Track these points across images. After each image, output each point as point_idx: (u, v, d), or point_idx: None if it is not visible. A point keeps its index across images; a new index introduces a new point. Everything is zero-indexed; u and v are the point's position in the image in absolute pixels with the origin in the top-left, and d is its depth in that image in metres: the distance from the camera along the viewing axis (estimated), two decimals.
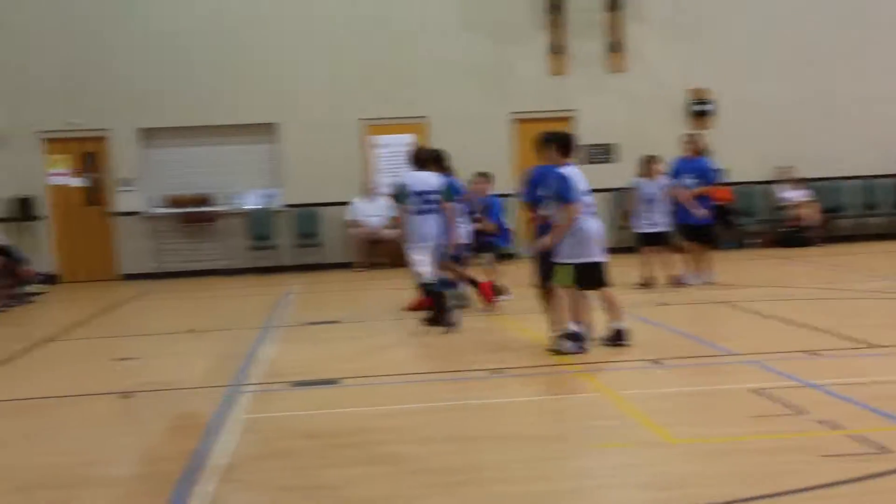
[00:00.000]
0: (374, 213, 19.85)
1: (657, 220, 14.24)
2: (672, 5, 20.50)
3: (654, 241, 14.30)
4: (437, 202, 11.26)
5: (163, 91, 19.82)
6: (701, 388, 7.93)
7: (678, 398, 7.66)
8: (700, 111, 20.48)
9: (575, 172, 9.31)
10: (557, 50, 20.47)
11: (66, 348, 11.65)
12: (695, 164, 14.40)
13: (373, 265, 19.59)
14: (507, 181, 20.35)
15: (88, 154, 20.08)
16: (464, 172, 19.61)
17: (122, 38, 19.84)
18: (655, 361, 8.87)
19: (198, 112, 19.90)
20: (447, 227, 11.34)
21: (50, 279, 18.94)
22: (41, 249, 19.58)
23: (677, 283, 14.08)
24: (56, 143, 19.92)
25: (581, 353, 9.17)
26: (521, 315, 11.82)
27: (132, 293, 17.40)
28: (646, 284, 14.09)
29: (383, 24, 20.25)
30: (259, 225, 20.13)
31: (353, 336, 11.35)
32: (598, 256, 9.37)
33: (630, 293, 13.20)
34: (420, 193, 11.26)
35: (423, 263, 11.30)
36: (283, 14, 20.07)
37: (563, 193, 9.22)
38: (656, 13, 20.50)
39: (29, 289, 16.59)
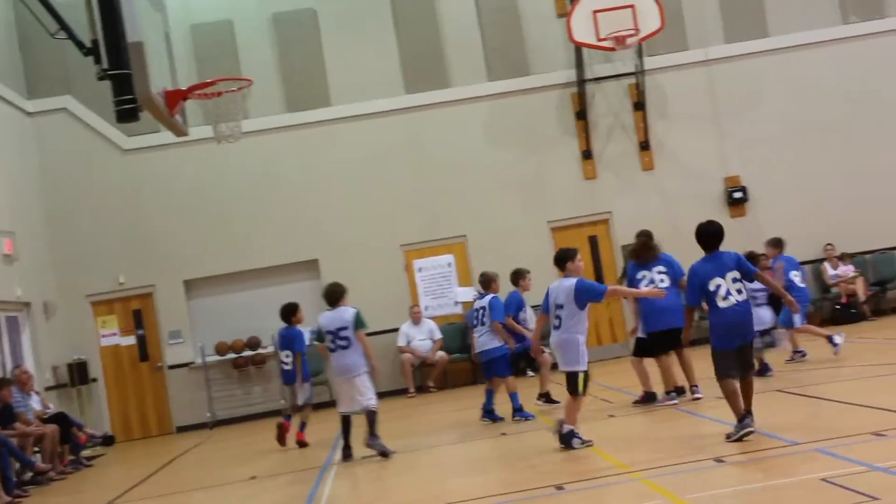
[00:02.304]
0: (421, 337, 19.83)
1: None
2: (691, 101, 20.63)
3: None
4: (347, 338, 11.77)
5: (203, 242, 20.15)
6: (769, 482, 7.70)
7: (748, 496, 7.44)
8: (736, 199, 20.41)
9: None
10: (588, 154, 20.62)
11: None
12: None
13: (424, 389, 19.52)
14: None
15: (136, 311, 20.33)
16: (506, 285, 19.92)
17: (159, 194, 20.25)
18: (717, 460, 8.65)
19: (238, 258, 20.17)
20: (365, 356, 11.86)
21: (108, 440, 18.97)
22: (97, 412, 19.70)
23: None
24: (103, 304, 20.22)
25: None
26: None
27: (188, 445, 17.37)
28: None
29: (414, 148, 20.55)
30: (310, 361, 20.09)
31: (410, 466, 11.21)
32: None
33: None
34: (332, 332, 11.86)
35: (344, 393, 11.93)
36: (311, 151, 20.43)
37: None
38: (678, 109, 20.66)
39: (86, 453, 16.61)
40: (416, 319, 19.90)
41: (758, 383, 12.96)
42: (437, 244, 20.48)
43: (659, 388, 12.78)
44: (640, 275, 12.54)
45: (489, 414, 13.41)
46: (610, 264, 20.64)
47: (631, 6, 18.59)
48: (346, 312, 11.93)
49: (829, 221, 20.17)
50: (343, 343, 11.83)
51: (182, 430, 19.94)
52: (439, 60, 20.75)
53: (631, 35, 18.62)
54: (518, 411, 13.13)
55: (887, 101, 20.53)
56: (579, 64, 20.16)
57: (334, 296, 12.11)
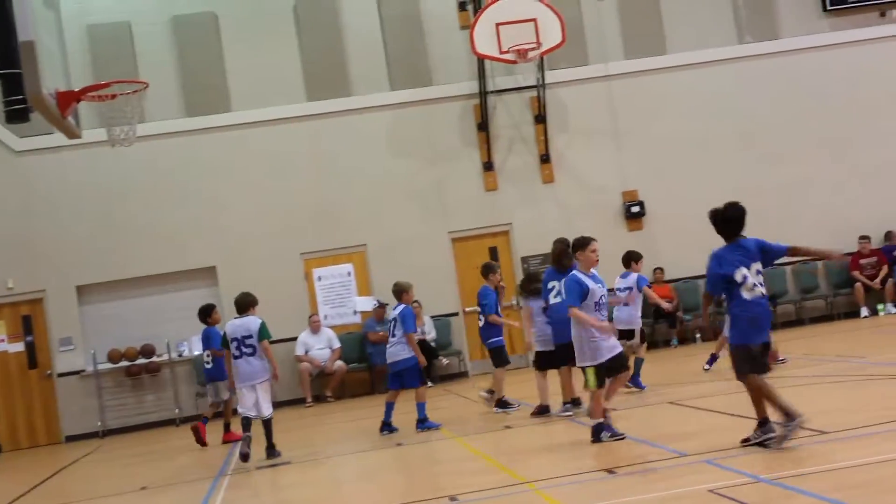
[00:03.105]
0: (320, 346, 19.69)
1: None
2: (591, 115, 20.89)
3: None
4: (252, 346, 12.25)
5: (97, 246, 19.70)
6: (657, 494, 7.79)
7: None
8: (633, 213, 20.71)
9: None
10: (489, 166, 20.72)
11: None
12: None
13: (321, 399, 19.38)
14: (450, 300, 20.44)
15: (25, 317, 19.80)
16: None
17: (52, 197, 19.77)
18: (609, 471, 8.74)
19: (133, 264, 19.78)
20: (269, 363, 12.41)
21: None
22: None
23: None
24: None
25: None
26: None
27: (77, 454, 16.97)
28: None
29: (316, 155, 20.42)
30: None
31: (306, 476, 11.11)
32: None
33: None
34: (237, 339, 12.30)
35: (245, 398, 12.31)
36: (210, 157, 20.16)
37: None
38: (578, 123, 20.90)
39: None
40: (314, 328, 19.75)
41: (649, 395, 13.21)
42: (337, 253, 20.37)
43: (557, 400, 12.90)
44: (551, 284, 12.50)
45: (387, 426, 13.33)
46: (509, 275, 20.73)
47: (533, 20, 18.75)
48: (252, 322, 12.37)
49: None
50: (248, 350, 12.29)
51: (71, 439, 19.45)
52: (342, 69, 20.66)
53: (532, 49, 18.78)
54: (422, 422, 13.09)
55: (780, 120, 21.03)
56: (481, 76, 20.27)
57: (243, 304, 12.58)
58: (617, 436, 10.08)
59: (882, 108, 21.07)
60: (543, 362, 12.82)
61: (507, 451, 11.04)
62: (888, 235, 20.68)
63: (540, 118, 20.68)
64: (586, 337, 10.15)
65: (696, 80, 21.08)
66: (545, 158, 20.80)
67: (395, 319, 13.29)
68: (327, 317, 19.82)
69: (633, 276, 13.81)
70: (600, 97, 21.00)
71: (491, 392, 14.20)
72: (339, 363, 19.72)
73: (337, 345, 19.79)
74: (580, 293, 10.23)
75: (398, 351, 13.23)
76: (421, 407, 13.21)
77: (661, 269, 20.57)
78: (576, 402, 12.59)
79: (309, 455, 12.71)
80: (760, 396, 8.75)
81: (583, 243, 10.62)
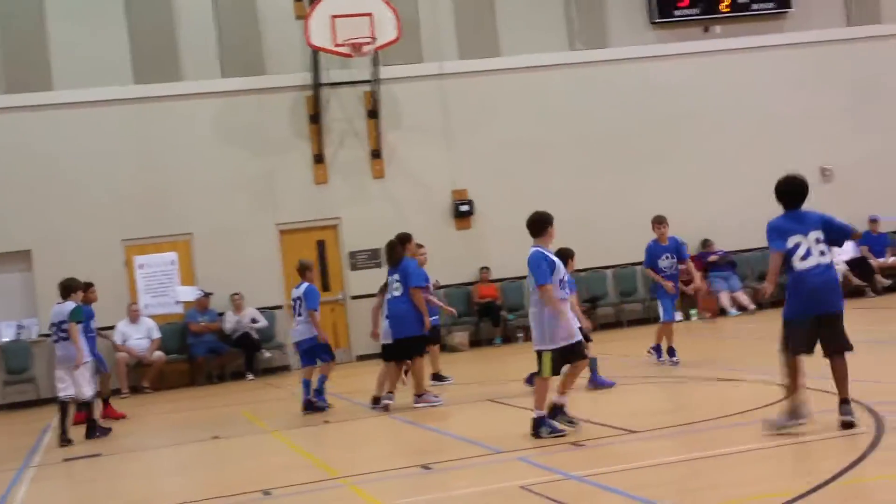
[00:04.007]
0: (138, 335, 19.16)
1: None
2: (424, 112, 20.98)
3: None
4: (66, 330, 12.58)
5: None
6: (470, 490, 7.86)
7: (448, 503, 7.58)
8: (462, 211, 20.90)
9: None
10: (320, 159, 20.57)
11: None
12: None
13: (139, 390, 18.86)
14: (275, 292, 20.19)
15: None
16: (231, 285, 19.60)
17: None
18: (425, 467, 8.78)
19: None
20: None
21: None
22: None
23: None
24: None
25: None
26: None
27: None
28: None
29: (142, 140, 19.88)
30: (14, 358, 19.08)
31: (119, 469, 10.79)
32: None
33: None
34: (55, 323, 12.75)
35: (62, 381, 12.66)
36: (29, 135, 19.37)
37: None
38: (411, 120, 20.95)
39: None
40: (133, 317, 19.20)
41: (470, 392, 13.31)
42: (160, 241, 19.86)
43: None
44: (390, 278, 12.63)
45: (311, 405, 13.03)
46: (336, 269, 20.68)
47: (369, 15, 18.71)
48: (67, 307, 12.67)
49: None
50: (64, 335, 12.66)
51: None
52: (172, 52, 20.14)
53: (367, 43, 18.74)
54: (319, 393, 13.07)
55: (609, 127, 21.53)
56: (315, 68, 20.09)
57: (65, 290, 12.91)
58: (557, 432, 9.25)
59: (703, 119, 21.83)
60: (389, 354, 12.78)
61: (325, 446, 10.97)
62: (705, 243, 21.44)
63: (373, 113, 20.65)
64: (548, 318, 9.34)
65: (528, 83, 21.41)
66: (376, 154, 20.78)
67: (299, 298, 13.12)
68: (148, 306, 19.31)
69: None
70: (434, 95, 21.11)
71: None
72: (159, 353, 19.24)
73: (157, 335, 19.30)
74: (549, 269, 9.46)
75: (304, 329, 13.06)
76: (322, 380, 13.21)
77: (488, 269, 20.84)
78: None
79: (121, 447, 12.34)
80: (794, 378, 8.40)
81: (549, 219, 10.14)
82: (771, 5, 22.18)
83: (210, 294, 19.65)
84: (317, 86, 20.26)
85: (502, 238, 20.64)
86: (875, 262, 21.68)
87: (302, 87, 20.46)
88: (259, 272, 20.02)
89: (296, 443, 11.10)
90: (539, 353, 9.40)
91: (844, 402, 8.24)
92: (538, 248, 9.71)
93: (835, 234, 8.55)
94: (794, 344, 8.39)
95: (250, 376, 19.28)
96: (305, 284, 13.19)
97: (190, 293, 19.42)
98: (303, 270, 13.35)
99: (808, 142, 21.94)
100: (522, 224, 20.88)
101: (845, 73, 22.31)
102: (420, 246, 14.37)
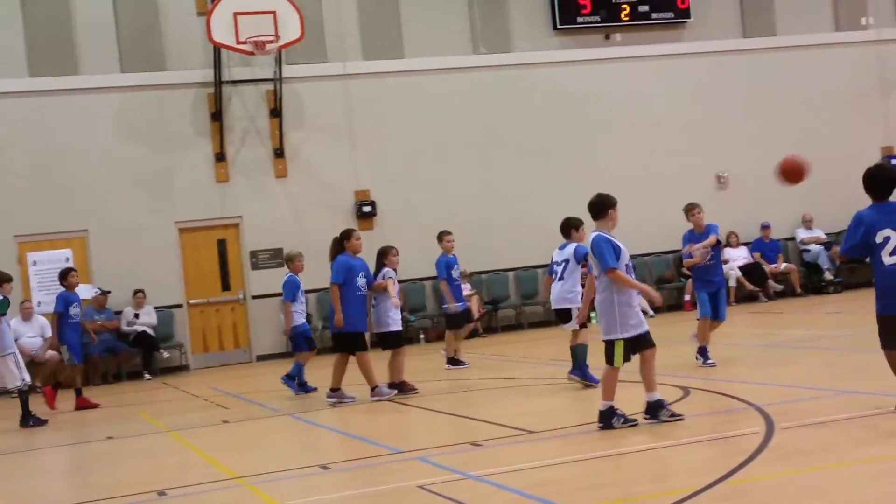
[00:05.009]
0: (31, 334, 18.70)
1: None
2: (328, 112, 20.90)
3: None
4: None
5: None
6: (368, 489, 7.87)
7: (347, 502, 7.57)
8: (365, 212, 20.87)
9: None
10: (221, 157, 20.34)
11: None
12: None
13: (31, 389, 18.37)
14: (174, 291, 19.92)
15: None
16: (129, 284, 19.25)
17: None
18: (323, 466, 8.76)
19: None
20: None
21: None
22: None
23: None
24: None
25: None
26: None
27: None
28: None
29: (36, 133, 19.45)
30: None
31: (1, 471, 10.54)
32: None
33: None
34: None
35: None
36: None
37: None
38: (314, 119, 20.85)
39: None
40: (26, 315, 18.72)
41: (366, 392, 13.26)
42: (55, 237, 19.43)
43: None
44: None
45: (303, 386, 13.72)
46: (237, 269, 20.48)
47: (272, 13, 18.59)
48: None
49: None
50: None
51: None
52: (69, 45, 19.72)
53: (270, 41, 18.61)
54: (289, 378, 13.70)
55: (511, 131, 21.69)
56: (217, 65, 19.85)
57: None
58: (630, 422, 8.89)
59: (604, 125, 22.14)
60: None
61: (223, 446, 10.85)
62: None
63: (275, 112, 20.49)
64: (619, 305, 8.90)
65: (432, 85, 21.49)
66: (279, 153, 20.64)
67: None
68: (41, 303, 18.85)
69: (571, 246, 11.97)
70: (337, 95, 21.04)
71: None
72: (52, 352, 18.77)
73: (50, 333, 18.84)
74: (615, 253, 8.92)
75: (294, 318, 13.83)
76: (298, 367, 13.76)
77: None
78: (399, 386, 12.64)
79: (9, 447, 12.04)
80: None
81: (612, 202, 9.24)
82: (670, 15, 22.61)
83: (108, 292, 19.29)
84: (219, 83, 20.03)
85: (405, 239, 20.54)
86: (767, 267, 22.25)
87: (203, 84, 20.21)
88: (158, 270, 19.75)
89: (193, 442, 10.96)
90: (610, 343, 8.92)
91: None
92: (600, 233, 9.09)
93: None
94: (888, 338, 8.20)
95: (147, 376, 18.98)
96: (288, 275, 13.99)
97: (87, 291, 19.00)
98: (287, 261, 14.26)
99: (705, 149, 22.44)
100: (425, 225, 21.16)
101: (741, 83, 22.85)
102: (448, 233, 15.55)
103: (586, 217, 9.74)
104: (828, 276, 22.24)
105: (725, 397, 10.22)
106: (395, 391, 12.55)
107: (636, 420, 8.96)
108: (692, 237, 12.78)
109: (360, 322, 12.64)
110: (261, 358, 20.14)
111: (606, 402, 8.92)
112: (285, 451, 10.15)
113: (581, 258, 11.73)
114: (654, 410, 8.95)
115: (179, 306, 20.01)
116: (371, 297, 12.88)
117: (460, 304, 15.35)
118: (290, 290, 13.88)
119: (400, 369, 12.76)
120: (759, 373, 12.03)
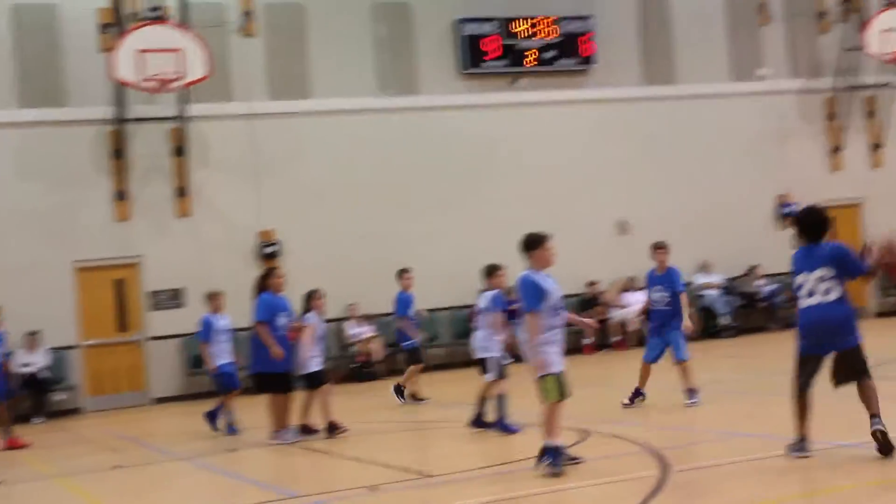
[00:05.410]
0: None
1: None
2: (233, 152, 20.71)
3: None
4: None
5: None
6: None
7: None
8: (268, 253, 20.69)
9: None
10: (122, 196, 20.01)
11: None
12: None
13: None
14: (69, 331, 19.48)
15: None
16: (22, 323, 18.73)
17: None
18: None
19: None
20: None
21: None
22: None
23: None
24: None
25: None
26: None
27: None
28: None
29: None
30: None
31: None
32: None
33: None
34: None
35: None
36: None
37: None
38: (219, 159, 20.64)
39: None
40: None
41: (257, 436, 13.09)
42: None
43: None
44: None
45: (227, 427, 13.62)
46: (136, 309, 20.10)
47: (177, 50, 18.41)
48: None
49: (354, 282, 20.86)
50: None
51: None
52: None
53: (175, 80, 18.43)
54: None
55: (418, 173, 21.68)
56: (120, 102, 19.56)
57: None
58: (575, 460, 8.89)
59: (508, 170, 22.27)
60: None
61: (112, 492, 10.58)
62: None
63: (179, 151, 20.23)
64: (545, 342, 8.81)
65: (338, 127, 21.44)
66: (182, 192, 20.37)
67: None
68: None
69: (488, 294, 11.98)
70: (243, 135, 20.85)
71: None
72: None
73: None
74: (538, 295, 8.86)
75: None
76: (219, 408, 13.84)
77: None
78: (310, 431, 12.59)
79: None
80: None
81: (538, 240, 9.16)
82: (574, 62, 22.96)
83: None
84: (121, 120, 19.74)
85: (309, 280, 20.40)
86: None
87: (105, 122, 19.86)
88: (53, 310, 19.27)
89: (82, 488, 10.67)
90: (542, 379, 8.76)
91: (873, 416, 8.14)
92: (527, 273, 9.01)
93: (848, 269, 8.33)
94: (797, 377, 8.42)
95: (38, 419, 18.45)
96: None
97: None
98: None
99: (607, 195, 22.74)
100: (330, 266, 21.08)
101: (643, 129, 23.25)
102: (406, 271, 15.90)
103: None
104: (722, 321, 22.67)
105: (622, 441, 10.30)
106: (296, 437, 12.39)
107: (579, 459, 8.93)
108: (652, 276, 12.93)
109: (279, 363, 12.44)
110: (159, 400, 19.74)
111: (550, 440, 8.72)
112: (179, 497, 9.96)
113: (495, 306, 11.78)
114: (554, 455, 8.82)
115: (74, 347, 19.55)
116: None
117: (413, 341, 15.83)
118: (205, 331, 13.83)
119: (327, 409, 12.59)
120: (656, 417, 12.16)
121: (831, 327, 8.25)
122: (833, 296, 8.23)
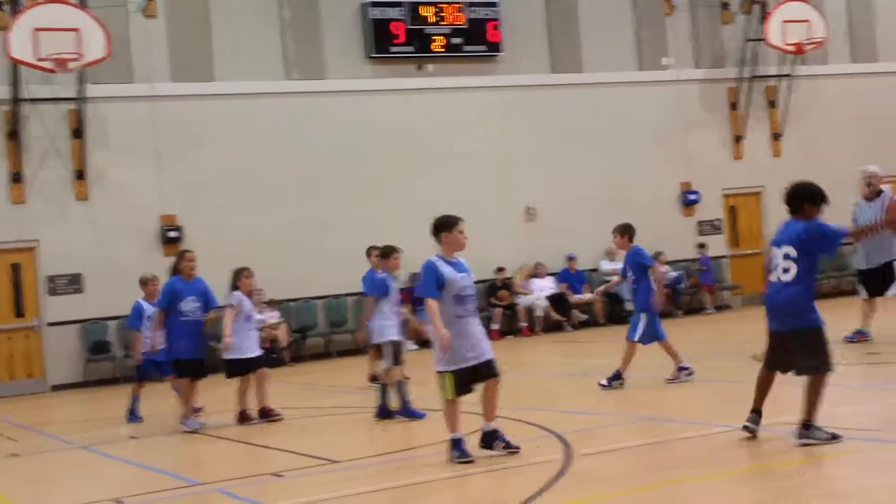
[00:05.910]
0: None
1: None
2: (134, 134, 20.30)
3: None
4: None
5: None
6: None
7: None
8: (171, 237, 20.31)
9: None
10: (18, 178, 19.46)
11: None
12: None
13: None
14: None
15: None
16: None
17: None
18: (117, 501, 8.39)
19: None
20: None
21: None
22: None
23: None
24: None
25: None
26: None
27: None
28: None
29: None
30: None
31: None
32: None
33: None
34: None
35: None
36: None
37: None
38: (119, 141, 20.22)
39: None
40: None
41: (170, 424, 12.84)
42: None
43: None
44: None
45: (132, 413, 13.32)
46: (32, 294, 19.58)
47: (76, 30, 17.95)
48: None
49: (262, 267, 20.53)
50: None
51: None
52: None
53: (73, 59, 17.96)
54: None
55: (323, 158, 21.54)
56: (15, 82, 19.02)
57: None
58: (466, 458, 8.41)
59: (414, 155, 22.24)
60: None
61: (10, 480, 10.27)
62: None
63: (77, 132, 19.76)
64: (437, 335, 8.40)
65: (243, 110, 21.15)
66: (80, 175, 19.89)
67: None
68: None
69: (379, 277, 11.76)
70: (144, 117, 20.47)
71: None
72: None
73: None
74: (437, 282, 8.49)
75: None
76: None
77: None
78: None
79: None
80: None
81: (448, 223, 8.79)
82: (482, 48, 22.97)
83: None
84: (16, 101, 19.19)
85: (211, 265, 20.12)
86: (573, 297, 22.78)
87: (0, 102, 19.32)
88: None
89: None
90: (440, 375, 8.51)
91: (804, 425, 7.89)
92: (431, 259, 8.67)
93: (822, 243, 8.15)
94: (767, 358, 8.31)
95: None
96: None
97: None
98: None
99: (514, 181, 22.84)
100: (232, 251, 20.73)
101: (550, 117, 23.40)
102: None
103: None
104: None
105: (527, 425, 10.31)
106: (200, 425, 12.17)
107: (473, 458, 8.49)
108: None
109: (185, 349, 12.18)
110: (56, 388, 19.29)
111: (452, 434, 8.50)
112: (78, 486, 9.68)
113: (378, 290, 11.57)
114: (490, 440, 8.70)
115: None
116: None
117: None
118: (134, 317, 13.38)
119: (262, 395, 12.35)
120: (561, 400, 12.23)
121: (781, 307, 8.13)
122: (790, 275, 8.08)
